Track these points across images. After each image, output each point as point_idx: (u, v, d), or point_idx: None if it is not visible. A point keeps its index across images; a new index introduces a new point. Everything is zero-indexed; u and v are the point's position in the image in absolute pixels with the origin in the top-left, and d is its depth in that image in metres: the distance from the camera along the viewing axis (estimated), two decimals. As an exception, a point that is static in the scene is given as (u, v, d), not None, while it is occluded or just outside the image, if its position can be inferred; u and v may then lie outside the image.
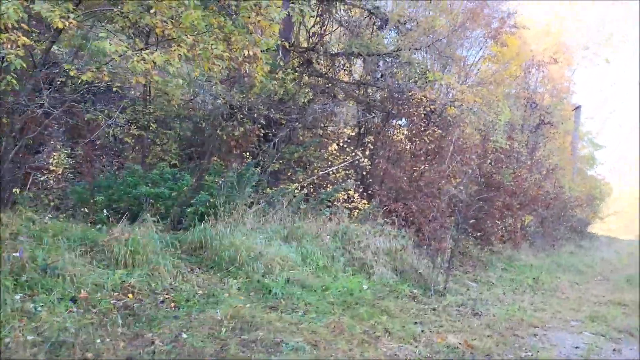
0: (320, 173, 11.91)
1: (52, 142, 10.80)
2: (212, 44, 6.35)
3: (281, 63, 11.53)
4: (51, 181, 10.74)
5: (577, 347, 6.63)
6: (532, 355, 6.02)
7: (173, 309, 5.68)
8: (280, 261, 7.25)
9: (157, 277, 6.28)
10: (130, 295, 5.76)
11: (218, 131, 10.82)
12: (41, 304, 5.14)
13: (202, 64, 6.47)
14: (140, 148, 11.52)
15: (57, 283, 5.53)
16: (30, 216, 7.17)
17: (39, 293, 5.36)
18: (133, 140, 11.47)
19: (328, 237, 8.56)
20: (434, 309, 7.42)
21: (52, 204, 9.91)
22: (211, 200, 9.41)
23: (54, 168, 10.87)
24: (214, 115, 11.21)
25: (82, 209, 9.76)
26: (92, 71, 5.97)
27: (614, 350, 6.72)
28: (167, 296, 5.93)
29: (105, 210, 7.76)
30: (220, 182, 9.85)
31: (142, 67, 5.70)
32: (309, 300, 6.49)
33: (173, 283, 6.28)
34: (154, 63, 5.77)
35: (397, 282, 8.13)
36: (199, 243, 7.56)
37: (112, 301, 5.56)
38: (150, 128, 11.76)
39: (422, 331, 6.28)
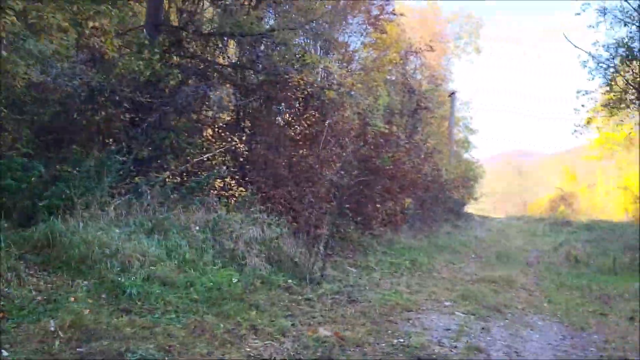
0: (195, 160, 11.23)
1: None
2: (48, 12, 5.51)
3: (146, 42, 10.66)
4: None
5: (448, 330, 6.65)
6: (404, 341, 5.91)
7: (0, 320, 4.88)
8: (140, 257, 6.59)
9: (-14, 283, 5.41)
10: (-53, 309, 4.88)
11: (75, 116, 9.79)
12: None
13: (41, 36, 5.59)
14: (-15, 135, 10.19)
15: None
16: None
17: None
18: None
19: (197, 227, 7.98)
20: (308, 299, 7.15)
21: None
22: (68, 192, 8.48)
23: None
24: (71, 97, 10.14)
25: None
26: None
27: (482, 329, 6.83)
28: (-6, 306, 5.09)
29: None
30: (77, 171, 8.91)
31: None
32: (170, 299, 5.93)
33: (6, 290, 5.43)
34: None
35: (271, 272, 7.76)
36: (45, 241, 6.69)
37: None
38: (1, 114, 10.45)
39: (293, 325, 5.96)
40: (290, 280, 7.71)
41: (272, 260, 8.15)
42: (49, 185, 9.08)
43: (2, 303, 5.16)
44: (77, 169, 9.03)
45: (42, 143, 10.61)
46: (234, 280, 6.95)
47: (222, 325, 5.52)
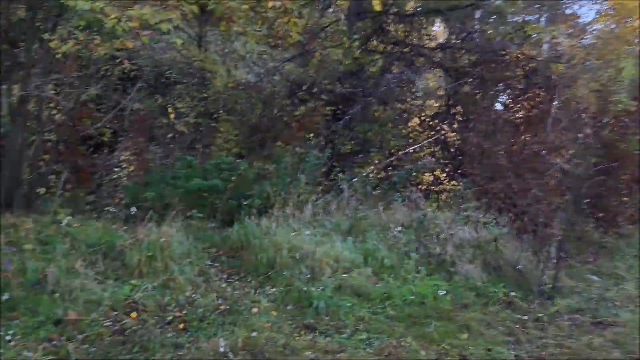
0: (400, 153, 10.28)
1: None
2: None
3: (345, 29, 10.02)
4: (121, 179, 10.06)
5: None
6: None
7: (179, 332, 4.47)
8: (332, 262, 5.83)
9: (173, 288, 5.11)
10: (133, 314, 4.62)
11: (276, 112, 9.56)
12: (13, 332, 4.12)
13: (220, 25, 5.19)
14: (200, 138, 10.58)
15: (44, 301, 4.52)
16: (52, 219, 6.31)
17: (21, 315, 4.38)
18: (191, 130, 10.54)
19: (399, 228, 6.99)
20: (537, 320, 5.64)
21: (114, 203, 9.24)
22: (269, 190, 8.20)
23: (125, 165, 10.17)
24: (273, 95, 9.98)
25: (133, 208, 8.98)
26: (77, 40, 4.87)
27: None
28: (178, 314, 4.72)
29: (133, 208, 6.70)
30: (276, 169, 8.61)
31: (125, 26, 4.52)
32: (362, 315, 5.02)
33: (192, 296, 5.07)
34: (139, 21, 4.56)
35: (488, 283, 6.37)
36: (239, 243, 6.35)
37: (106, 323, 4.45)
38: (213, 116, 10.80)
39: (517, 356, 4.59)
40: (512, 293, 6.25)
41: (489, 267, 6.76)
42: (253, 184, 8.96)
43: (185, 312, 4.77)
44: (277, 166, 8.74)
45: (250, 143, 10.68)
46: (441, 292, 5.77)
47: (423, 352, 4.42)
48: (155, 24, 5.16)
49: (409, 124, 10.81)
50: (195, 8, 5.16)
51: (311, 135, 9.60)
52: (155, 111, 9.82)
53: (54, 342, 4.10)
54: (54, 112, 7.41)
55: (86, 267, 5.19)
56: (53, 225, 6.04)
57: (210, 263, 6.03)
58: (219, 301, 5.08)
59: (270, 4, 5.57)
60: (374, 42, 10.74)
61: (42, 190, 6.84)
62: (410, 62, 10.92)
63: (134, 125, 9.15)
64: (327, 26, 11.18)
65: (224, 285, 5.50)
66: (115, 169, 9.83)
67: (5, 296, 4.48)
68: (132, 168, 9.21)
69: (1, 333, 4.08)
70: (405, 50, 10.95)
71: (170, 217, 6.61)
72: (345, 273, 5.76)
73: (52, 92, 6.72)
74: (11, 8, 6.29)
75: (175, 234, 6.07)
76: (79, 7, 4.39)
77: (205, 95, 10.06)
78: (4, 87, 6.24)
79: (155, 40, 9.83)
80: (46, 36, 5.28)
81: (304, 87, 9.70)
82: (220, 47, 10.44)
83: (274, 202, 7.79)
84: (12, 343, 4.02)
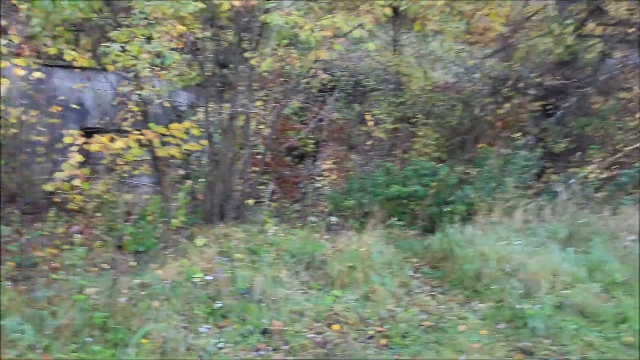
0: (628, 148, 8.90)
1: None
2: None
3: (553, 14, 9.02)
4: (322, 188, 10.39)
5: None
6: None
7: (380, 348, 4.25)
8: (550, 276, 5.12)
9: (374, 300, 4.94)
10: (335, 327, 4.55)
11: (478, 112, 8.96)
12: (225, 339, 4.31)
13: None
14: (399, 143, 10.42)
15: (252, 310, 4.67)
16: (260, 229, 6.63)
17: (232, 323, 4.58)
18: (390, 136, 10.43)
19: (632, 237, 5.94)
20: None
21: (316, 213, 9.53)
22: (472, 195, 7.68)
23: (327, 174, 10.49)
24: (474, 94, 9.38)
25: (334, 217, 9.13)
26: (276, 56, 4.99)
27: None
28: (379, 329, 4.52)
29: (333, 217, 6.72)
30: (479, 173, 8.03)
31: (319, 36, 4.48)
32: (590, 339, 4.27)
33: (394, 309, 4.84)
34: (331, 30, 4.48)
35: None
36: (441, 252, 5.97)
37: (309, 334, 4.43)
38: (411, 120, 10.58)
39: None
40: None
41: None
42: (455, 189, 8.49)
43: (386, 327, 4.56)
44: (480, 170, 8.16)
45: (450, 146, 10.20)
46: (694, 316, 4.70)
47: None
48: (349, 32, 5.06)
49: (637, 115, 9.31)
50: (387, 10, 4.97)
51: (517, 134, 8.80)
52: (353, 119, 9.90)
53: (261, 352, 4.18)
54: (260, 126, 7.82)
55: (290, 276, 5.30)
56: (260, 235, 6.32)
57: (411, 274, 5.75)
58: (423, 316, 4.77)
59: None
60: (590, 26, 9.50)
61: (251, 201, 7.25)
62: (638, 45, 9.42)
63: (333, 134, 9.31)
64: (533, 14, 10.24)
65: (427, 298, 5.17)
66: (318, 178, 10.13)
67: (218, 304, 4.72)
68: (333, 177, 9.38)
69: (214, 340, 4.27)
70: (630, 30, 9.48)
71: (370, 225, 6.49)
72: (565, 289, 5.02)
73: (258, 107, 7.07)
74: (222, 35, 6.81)
75: (375, 242, 5.92)
76: (274, 22, 4.51)
77: (402, 99, 9.88)
78: (217, 105, 6.73)
79: (351, 50, 9.95)
80: (248, 55, 5.55)
81: (508, 83, 8.94)
82: (415, 49, 10.17)
83: (478, 208, 7.26)
84: (224, 350, 4.18)
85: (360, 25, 4.78)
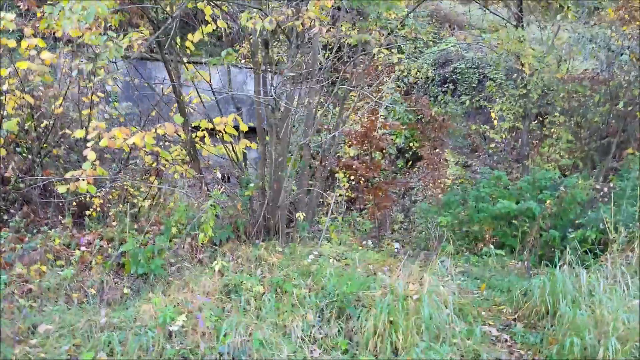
0: None
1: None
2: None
3: None
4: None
5: None
6: None
7: None
8: None
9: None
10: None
11: (623, 106, 6.77)
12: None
13: None
14: (519, 147, 8.44)
15: None
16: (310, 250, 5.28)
17: None
18: (508, 137, 8.48)
19: None
20: None
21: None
22: (608, 220, 5.65)
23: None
24: (621, 85, 7.15)
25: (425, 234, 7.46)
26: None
27: None
28: None
29: (397, 243, 5.19)
30: (623, 187, 5.94)
31: None
32: None
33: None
34: None
35: None
36: (544, 306, 4.15)
37: None
38: (538, 118, 8.55)
39: None
40: None
41: None
42: (585, 209, 6.46)
43: None
44: (623, 184, 6.05)
45: (588, 151, 8.02)
46: None
47: None
48: None
49: None
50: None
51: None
52: (459, 116, 8.13)
53: None
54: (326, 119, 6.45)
55: (308, 328, 3.88)
56: (303, 259, 4.99)
57: (495, 333, 4.04)
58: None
59: None
60: None
61: (301, 214, 5.93)
62: None
63: (431, 133, 7.64)
64: None
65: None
66: (413, 187, 8.52)
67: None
68: (431, 185, 7.71)
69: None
70: None
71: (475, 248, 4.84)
72: None
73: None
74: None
75: (450, 278, 4.29)
76: None
77: (524, 92, 7.89)
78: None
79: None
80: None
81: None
82: (544, 30, 8.10)
83: (614, 238, 5.24)
84: None
85: None
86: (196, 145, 5.80)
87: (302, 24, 4.42)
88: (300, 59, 6.48)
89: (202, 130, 5.95)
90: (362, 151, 8.05)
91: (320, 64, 6.02)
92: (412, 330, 3.48)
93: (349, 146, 8.25)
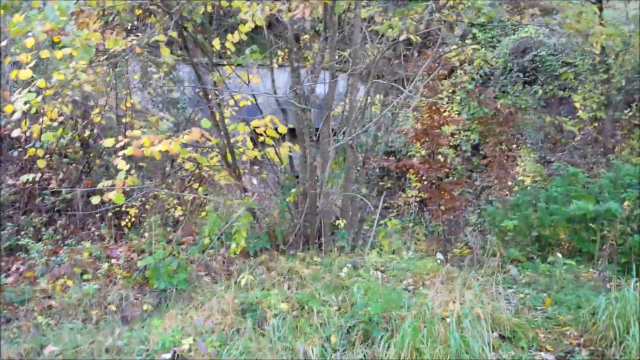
0: None
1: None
2: None
3: None
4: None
5: None
6: None
7: None
8: None
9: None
10: None
11: None
12: None
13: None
14: (602, 140, 7.52)
15: None
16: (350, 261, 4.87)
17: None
18: (588, 129, 7.59)
19: None
20: None
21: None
22: None
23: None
24: None
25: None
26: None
27: None
28: None
29: (439, 254, 4.66)
30: None
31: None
32: None
33: None
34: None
35: None
36: (612, 331, 3.48)
37: None
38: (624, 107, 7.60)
39: None
40: None
41: None
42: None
43: None
44: None
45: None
46: None
47: None
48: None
49: None
50: None
51: None
52: (530, 108, 7.33)
53: None
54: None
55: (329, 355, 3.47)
56: (342, 271, 4.57)
57: (549, 359, 3.43)
58: None
59: None
60: None
61: (342, 222, 5.50)
62: None
63: (498, 127, 6.91)
64: None
65: None
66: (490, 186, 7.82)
67: None
68: (496, 185, 6.99)
69: None
70: None
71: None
72: None
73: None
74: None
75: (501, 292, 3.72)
76: None
77: (605, 77, 7.00)
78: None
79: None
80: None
81: None
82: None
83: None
84: None
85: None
86: (234, 150, 5.54)
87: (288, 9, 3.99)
88: (345, 53, 6.08)
89: (242, 135, 5.73)
90: (429, 150, 7.49)
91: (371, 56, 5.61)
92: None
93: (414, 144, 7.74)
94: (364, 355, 3.30)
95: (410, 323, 3.19)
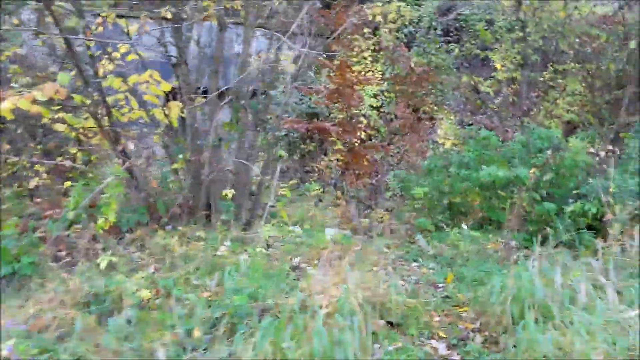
0: None
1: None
2: None
3: None
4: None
5: None
6: None
7: None
8: None
9: None
10: None
11: None
12: None
13: None
14: (517, 101, 7.25)
15: None
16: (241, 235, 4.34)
17: None
18: (503, 92, 7.30)
19: None
20: None
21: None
22: (612, 189, 4.60)
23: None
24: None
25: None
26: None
27: None
28: None
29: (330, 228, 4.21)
30: (628, 152, 4.82)
31: None
32: None
33: None
34: None
35: None
36: (504, 316, 3.13)
37: None
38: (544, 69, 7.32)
39: None
40: None
41: None
42: (587, 176, 5.35)
43: None
44: (631, 146, 4.92)
45: (597, 105, 6.81)
46: None
47: None
48: None
49: None
50: None
51: None
52: (445, 67, 6.94)
53: None
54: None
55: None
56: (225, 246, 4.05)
57: (441, 348, 3.05)
58: None
59: None
60: None
61: (229, 191, 4.94)
62: None
63: (410, 88, 6.47)
64: None
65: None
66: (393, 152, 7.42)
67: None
68: (408, 149, 6.60)
69: None
70: None
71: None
72: None
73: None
74: None
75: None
76: None
77: (521, 35, 6.67)
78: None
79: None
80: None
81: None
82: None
83: (612, 215, 4.18)
84: None
85: None
86: (111, 110, 4.82)
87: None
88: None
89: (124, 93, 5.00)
90: (344, 112, 6.98)
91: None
92: (307, 362, 2.50)
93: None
94: (229, 354, 2.80)
95: (272, 316, 2.71)
